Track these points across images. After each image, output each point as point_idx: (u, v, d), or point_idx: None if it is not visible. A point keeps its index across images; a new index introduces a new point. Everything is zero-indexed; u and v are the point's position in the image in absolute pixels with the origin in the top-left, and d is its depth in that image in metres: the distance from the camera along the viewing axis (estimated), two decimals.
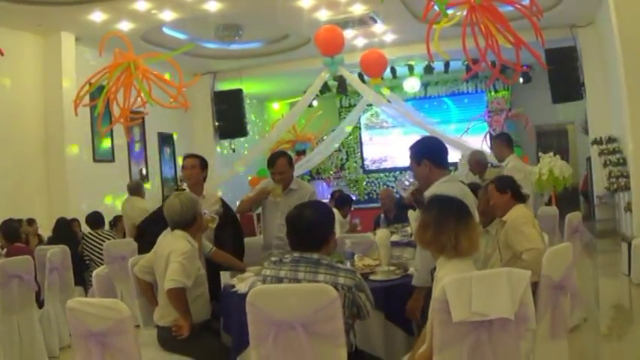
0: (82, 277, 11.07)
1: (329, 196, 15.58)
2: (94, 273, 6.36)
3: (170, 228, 6.39)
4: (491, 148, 12.14)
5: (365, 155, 25.02)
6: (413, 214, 10.13)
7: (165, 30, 15.61)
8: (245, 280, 6.10)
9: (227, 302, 6.18)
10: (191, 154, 8.15)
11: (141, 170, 17.63)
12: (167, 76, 11.27)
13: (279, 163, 8.04)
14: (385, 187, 21.95)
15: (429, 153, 5.99)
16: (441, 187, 5.65)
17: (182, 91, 10.99)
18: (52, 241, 11.29)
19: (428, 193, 5.67)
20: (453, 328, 4.07)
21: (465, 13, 8.77)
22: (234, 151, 21.40)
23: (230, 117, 20.56)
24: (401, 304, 5.72)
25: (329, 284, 4.51)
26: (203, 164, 7.98)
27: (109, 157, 16.49)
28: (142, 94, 10.66)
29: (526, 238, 6.18)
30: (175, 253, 5.91)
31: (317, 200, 7.17)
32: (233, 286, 6.11)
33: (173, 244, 6.08)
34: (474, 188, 6.78)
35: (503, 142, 10.85)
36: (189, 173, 7.96)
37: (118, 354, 4.59)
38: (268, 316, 4.47)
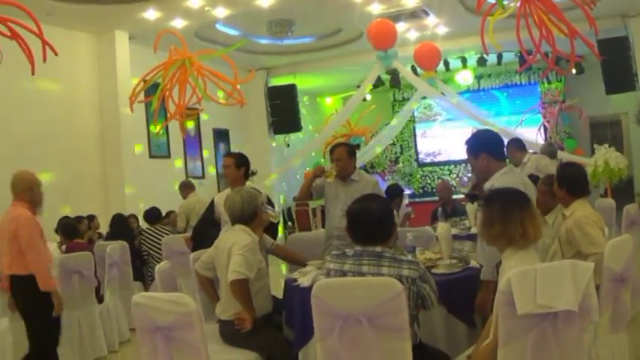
0: (140, 273, 11.18)
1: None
2: (157, 268, 6.42)
3: (231, 223, 6.44)
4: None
5: (419, 149, 24.86)
6: (471, 207, 10.15)
7: (219, 26, 15.66)
8: (307, 274, 6.12)
9: (289, 296, 6.21)
10: (228, 152, 8.29)
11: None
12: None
13: (338, 150, 8.07)
14: (441, 180, 21.85)
15: (486, 146, 5.97)
16: (501, 178, 5.64)
17: (237, 87, 11.02)
18: (109, 237, 11.41)
19: (488, 185, 5.67)
20: (518, 321, 4.06)
21: (518, 4, 8.73)
22: (288, 145, 21.43)
23: (284, 112, 20.56)
24: (463, 297, 5.74)
25: (393, 277, 4.52)
26: (238, 162, 8.09)
27: (165, 153, 16.63)
28: (197, 91, 10.71)
29: (592, 241, 5.97)
30: (237, 246, 5.96)
31: (377, 194, 7.12)
32: (295, 280, 6.13)
33: (234, 237, 6.13)
34: (533, 179, 6.73)
35: (514, 147, 10.93)
36: (225, 172, 8.22)
37: (184, 347, 4.64)
38: (333, 310, 4.50)
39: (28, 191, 7.50)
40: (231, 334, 6.03)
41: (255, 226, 6.42)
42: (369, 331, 4.38)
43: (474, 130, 12.45)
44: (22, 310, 7.34)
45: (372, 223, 4.88)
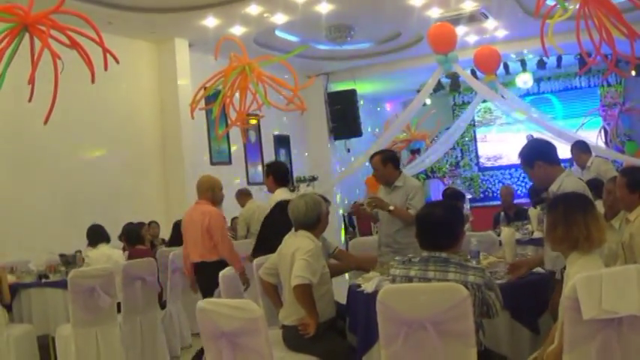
0: None
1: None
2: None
3: (294, 228, 6.46)
4: (606, 144, 12.02)
5: (480, 153, 24.64)
6: (534, 212, 10.08)
7: (278, 33, 15.68)
8: (371, 279, 6.09)
9: (353, 302, 6.19)
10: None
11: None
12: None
13: (373, 161, 8.35)
14: (502, 184, 21.68)
15: (539, 154, 5.97)
16: (567, 180, 5.68)
17: (298, 93, 11.03)
18: (170, 243, 11.45)
19: (555, 188, 5.65)
20: (583, 326, 4.04)
21: (577, 6, 8.66)
22: (349, 151, 21.37)
23: (344, 117, 20.51)
24: (527, 302, 5.70)
25: (459, 282, 4.51)
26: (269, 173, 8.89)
27: (226, 160, 16.66)
28: (258, 97, 10.75)
29: None
30: (300, 251, 5.98)
31: (445, 201, 7.17)
32: (359, 286, 6.10)
33: (298, 243, 6.15)
34: (597, 184, 6.65)
35: (579, 149, 10.86)
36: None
37: (250, 354, 4.66)
38: (399, 315, 4.50)
39: (209, 191, 8.73)
40: (294, 340, 6.03)
41: (319, 231, 6.44)
42: (435, 337, 4.37)
43: (529, 137, 12.38)
44: (204, 291, 8.25)
45: (437, 229, 4.88)
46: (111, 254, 9.07)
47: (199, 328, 4.97)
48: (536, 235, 9.42)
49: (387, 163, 8.24)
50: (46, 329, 9.17)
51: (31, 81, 7.13)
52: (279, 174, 8.77)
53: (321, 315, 6.00)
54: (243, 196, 12.70)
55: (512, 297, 5.54)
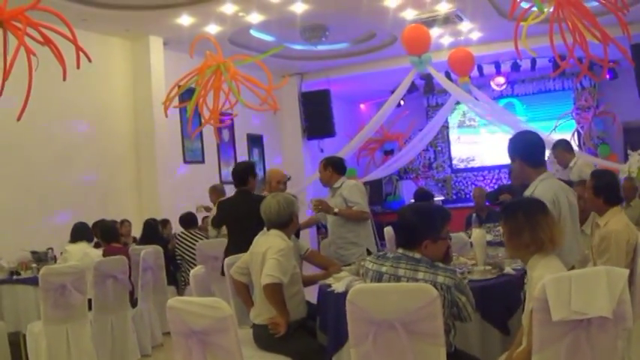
0: (174, 277, 11.21)
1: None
2: (192, 273, 6.45)
3: (266, 228, 6.49)
4: (579, 147, 12.11)
5: (453, 154, 24.71)
6: None
7: (253, 32, 15.66)
8: (341, 279, 6.11)
9: (323, 301, 6.19)
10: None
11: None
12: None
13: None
14: (475, 186, 21.75)
15: (520, 151, 6.02)
16: (540, 186, 5.73)
17: (271, 92, 11.06)
18: (141, 241, 11.45)
19: (528, 193, 5.72)
20: (552, 328, 4.09)
21: (551, 9, 8.72)
22: (322, 151, 21.33)
23: (318, 117, 20.49)
24: (497, 303, 5.71)
25: (428, 283, 4.54)
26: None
27: (199, 159, 16.65)
28: (233, 96, 10.76)
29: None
30: (272, 250, 6.00)
31: (421, 202, 7.32)
32: (329, 286, 6.10)
33: (269, 242, 6.18)
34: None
35: (563, 148, 10.95)
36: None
37: (219, 352, 4.66)
38: (368, 315, 4.52)
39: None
40: (264, 339, 6.06)
41: (290, 231, 6.47)
42: (404, 337, 4.39)
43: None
44: None
45: (406, 229, 4.92)
46: (88, 252, 9.04)
47: (170, 326, 4.97)
48: None
49: (327, 167, 8.93)
50: (17, 326, 9.14)
51: (5, 76, 7.11)
52: (339, 164, 9.02)
53: (291, 314, 6.03)
54: (215, 192, 12.59)
55: (483, 298, 5.56)
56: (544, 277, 4.19)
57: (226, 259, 6.99)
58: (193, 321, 4.67)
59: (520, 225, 4.63)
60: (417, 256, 4.79)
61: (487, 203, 13.39)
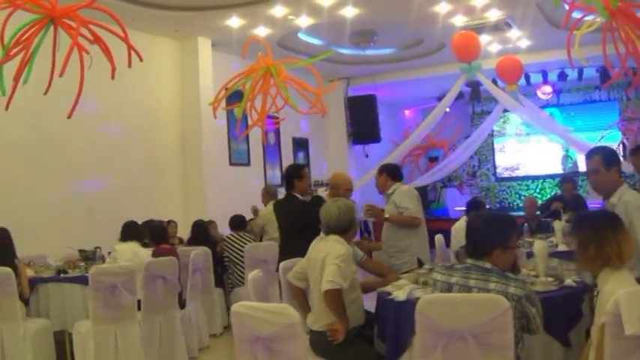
0: (221, 279, 11.14)
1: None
2: (250, 276, 6.34)
3: (324, 233, 6.41)
4: (624, 158, 12.00)
5: (497, 163, 24.57)
6: (559, 225, 10.00)
7: (301, 35, 15.62)
8: (401, 287, 6.00)
9: (382, 309, 6.09)
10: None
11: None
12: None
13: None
14: (523, 195, 21.57)
15: (618, 161, 6.13)
16: (629, 193, 5.79)
17: (321, 96, 11.00)
18: (189, 242, 11.40)
19: (615, 200, 5.76)
20: (624, 342, 4.00)
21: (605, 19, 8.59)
22: (367, 156, 21.27)
23: (363, 122, 20.44)
24: (559, 316, 5.60)
25: (500, 293, 4.45)
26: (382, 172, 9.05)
27: (245, 161, 16.62)
28: (284, 99, 10.71)
29: None
30: (331, 256, 5.89)
31: (494, 211, 7.27)
32: (389, 294, 6.00)
33: (328, 247, 6.08)
34: None
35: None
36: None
37: (285, 359, 4.56)
38: (438, 326, 4.45)
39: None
40: (323, 346, 5.96)
41: (350, 237, 6.37)
42: (474, 349, 4.32)
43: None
44: None
45: (476, 238, 4.83)
46: (138, 251, 8.96)
47: (234, 331, 4.90)
48: (561, 247, 9.32)
49: (382, 172, 9.00)
50: (63, 325, 9.07)
51: (61, 73, 7.06)
52: (394, 170, 9.06)
53: (350, 321, 5.93)
54: (265, 195, 12.51)
55: (545, 310, 5.46)
56: (616, 291, 4.11)
57: (281, 264, 6.88)
58: (259, 327, 4.61)
59: (587, 238, 4.57)
60: (488, 265, 4.69)
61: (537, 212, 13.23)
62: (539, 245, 6.67)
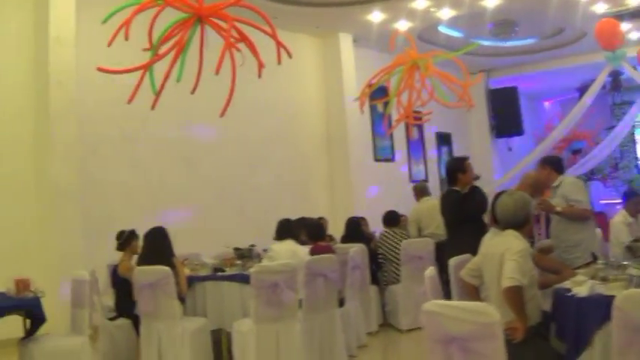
0: (375, 276, 11.03)
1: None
2: (426, 273, 6.21)
3: (501, 227, 6.23)
4: None
5: (638, 154, 23.90)
6: None
7: (440, 28, 15.49)
8: (582, 283, 5.78)
9: (561, 306, 5.88)
10: None
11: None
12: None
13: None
14: None
15: None
16: None
17: (467, 89, 10.86)
18: (343, 240, 11.33)
19: None
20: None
21: None
22: (510, 150, 21.00)
23: (505, 115, 20.32)
24: None
25: None
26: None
27: (389, 157, 16.56)
28: (429, 93, 10.62)
29: None
30: (510, 252, 5.69)
31: None
32: (569, 290, 5.79)
33: (506, 242, 5.87)
34: None
35: None
36: None
37: None
38: (638, 322, 4.26)
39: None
40: None
41: (526, 231, 6.17)
42: None
43: None
44: None
45: None
46: (295, 250, 8.89)
47: (425, 332, 4.78)
48: None
49: (545, 165, 8.55)
50: (220, 323, 9.03)
51: (217, 71, 7.03)
52: (557, 162, 8.69)
53: (528, 319, 5.74)
54: (417, 191, 12.31)
55: None
56: None
57: (451, 261, 6.72)
58: (455, 326, 4.48)
59: None
60: None
61: None
62: None
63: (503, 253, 5.74)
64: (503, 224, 6.15)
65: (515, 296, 5.58)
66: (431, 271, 6.16)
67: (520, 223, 6.08)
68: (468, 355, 4.45)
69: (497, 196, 6.70)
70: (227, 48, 7.11)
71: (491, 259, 5.92)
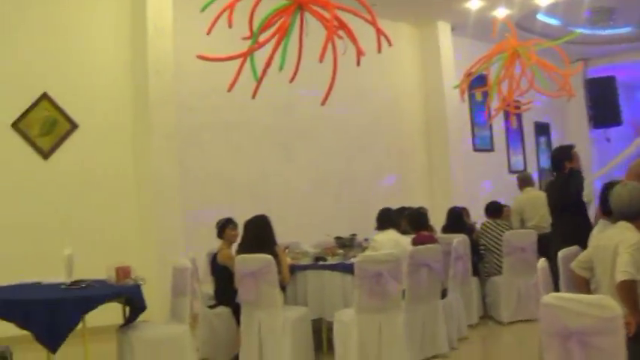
0: (476, 268, 10.91)
1: None
2: (539, 265, 6.09)
3: (613, 219, 6.06)
4: None
5: None
6: None
7: (539, 16, 15.28)
8: None
9: None
10: None
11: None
12: None
13: None
14: None
15: None
16: None
17: (568, 78, 10.70)
18: (445, 230, 11.26)
19: None
20: None
21: None
22: (608, 140, 20.65)
23: (603, 105, 19.93)
24: None
25: None
26: None
27: (488, 147, 16.43)
28: (529, 82, 10.50)
29: None
30: (624, 244, 5.51)
31: None
32: None
33: (620, 234, 5.69)
34: None
35: None
36: None
37: (602, 357, 4.31)
38: None
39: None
40: None
41: (639, 224, 6.00)
42: None
43: None
44: None
45: None
46: (398, 239, 8.83)
47: (542, 325, 4.67)
48: None
49: None
50: (321, 313, 8.98)
51: (321, 58, 6.97)
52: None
53: None
54: (520, 181, 12.11)
55: None
56: None
57: (560, 253, 6.59)
58: (574, 320, 4.35)
59: None
60: None
61: None
62: None
63: (617, 245, 5.58)
64: (617, 215, 5.99)
65: (628, 290, 5.42)
66: (542, 262, 6.05)
67: (634, 214, 5.90)
68: (588, 350, 4.32)
69: (607, 186, 6.55)
70: (331, 36, 7.04)
71: (603, 252, 5.78)
